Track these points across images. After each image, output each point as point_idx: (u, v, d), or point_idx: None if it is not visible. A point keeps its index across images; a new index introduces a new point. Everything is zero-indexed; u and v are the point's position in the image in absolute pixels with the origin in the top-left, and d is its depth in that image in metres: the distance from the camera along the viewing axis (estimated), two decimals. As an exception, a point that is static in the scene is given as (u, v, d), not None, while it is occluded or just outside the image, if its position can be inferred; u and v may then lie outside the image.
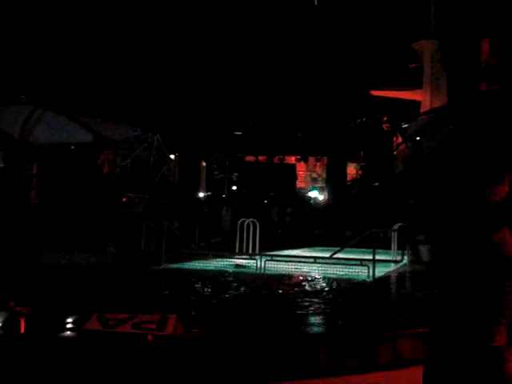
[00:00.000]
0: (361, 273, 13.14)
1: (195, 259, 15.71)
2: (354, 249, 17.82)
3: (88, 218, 15.17)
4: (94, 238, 15.21)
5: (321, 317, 8.11)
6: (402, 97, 49.60)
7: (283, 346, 6.21)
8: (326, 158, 48.92)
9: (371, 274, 12.93)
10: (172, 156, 34.29)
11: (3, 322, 5.86)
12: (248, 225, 17.21)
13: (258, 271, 13.86)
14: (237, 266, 15.06)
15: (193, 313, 7.94)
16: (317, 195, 47.03)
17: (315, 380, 5.84)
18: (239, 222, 17.39)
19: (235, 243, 17.30)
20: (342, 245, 15.76)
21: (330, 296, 10.20)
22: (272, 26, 45.80)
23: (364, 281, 12.51)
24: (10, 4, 33.55)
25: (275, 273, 13.69)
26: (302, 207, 37.62)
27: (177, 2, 41.79)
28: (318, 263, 14.54)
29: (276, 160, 49.50)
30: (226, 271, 14.17)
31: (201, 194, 41.95)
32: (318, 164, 50.87)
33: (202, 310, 8.34)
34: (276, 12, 46.14)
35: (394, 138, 40.22)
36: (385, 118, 44.62)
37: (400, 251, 15.60)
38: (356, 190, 44.20)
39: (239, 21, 43.31)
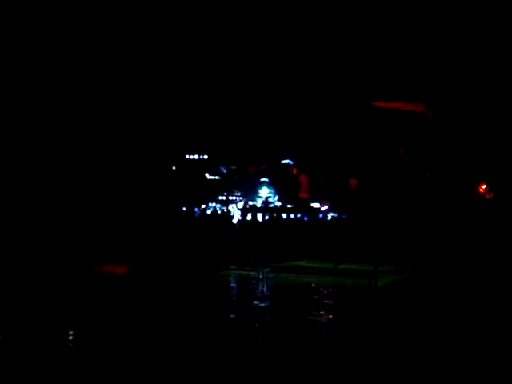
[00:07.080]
0: (363, 284, 13.15)
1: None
2: (356, 260, 17.82)
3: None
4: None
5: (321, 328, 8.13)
6: (403, 108, 49.47)
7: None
8: (328, 169, 48.80)
9: (373, 284, 12.94)
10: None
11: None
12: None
13: (261, 281, 13.89)
14: (241, 277, 15.01)
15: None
16: (319, 206, 46.90)
17: None
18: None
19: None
20: (345, 256, 15.77)
21: (332, 307, 10.23)
22: (276, 38, 46.01)
23: (366, 291, 12.51)
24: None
25: (278, 283, 13.72)
26: (305, 217, 37.54)
27: (179, 19, 42.03)
28: (321, 274, 14.56)
29: (279, 171, 49.38)
30: (227, 281, 14.17)
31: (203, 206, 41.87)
32: (321, 176, 50.71)
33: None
34: (279, 26, 46.34)
35: (402, 151, 40.11)
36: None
37: (402, 262, 15.57)
38: (359, 202, 44.07)
39: (244, 36, 43.53)
